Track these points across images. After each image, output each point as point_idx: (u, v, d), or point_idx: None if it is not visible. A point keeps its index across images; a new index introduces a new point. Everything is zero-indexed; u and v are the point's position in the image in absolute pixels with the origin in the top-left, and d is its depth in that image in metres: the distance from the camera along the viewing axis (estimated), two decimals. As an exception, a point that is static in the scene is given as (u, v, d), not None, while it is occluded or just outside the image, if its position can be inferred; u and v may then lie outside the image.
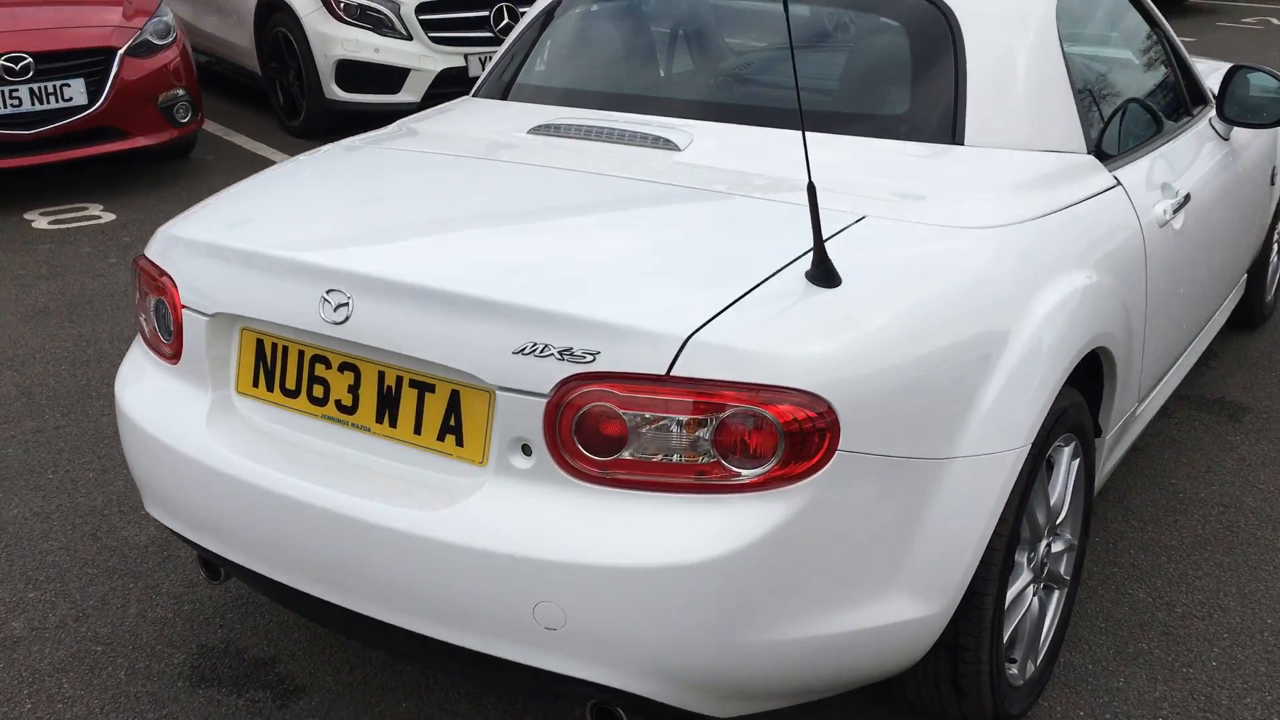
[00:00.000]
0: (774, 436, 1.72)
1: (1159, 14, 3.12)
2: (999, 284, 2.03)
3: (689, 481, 1.75)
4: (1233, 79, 3.08)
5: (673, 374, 1.72)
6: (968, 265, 2.02)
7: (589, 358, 1.75)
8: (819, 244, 1.83)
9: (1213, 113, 3.23)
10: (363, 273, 1.92)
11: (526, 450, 1.81)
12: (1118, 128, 2.71)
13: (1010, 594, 2.21)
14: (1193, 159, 2.95)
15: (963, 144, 2.34)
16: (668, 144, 2.35)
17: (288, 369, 2.05)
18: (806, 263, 1.88)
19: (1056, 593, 2.49)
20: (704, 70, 2.66)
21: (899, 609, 1.91)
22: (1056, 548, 2.40)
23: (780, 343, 1.74)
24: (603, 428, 1.75)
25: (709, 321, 1.76)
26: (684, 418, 1.73)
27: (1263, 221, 3.72)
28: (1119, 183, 2.54)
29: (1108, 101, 2.74)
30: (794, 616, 1.80)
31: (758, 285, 1.84)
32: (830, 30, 2.66)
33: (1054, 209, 2.29)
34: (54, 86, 5.97)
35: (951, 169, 2.27)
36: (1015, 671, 2.31)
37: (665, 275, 1.87)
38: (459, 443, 1.88)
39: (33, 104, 5.91)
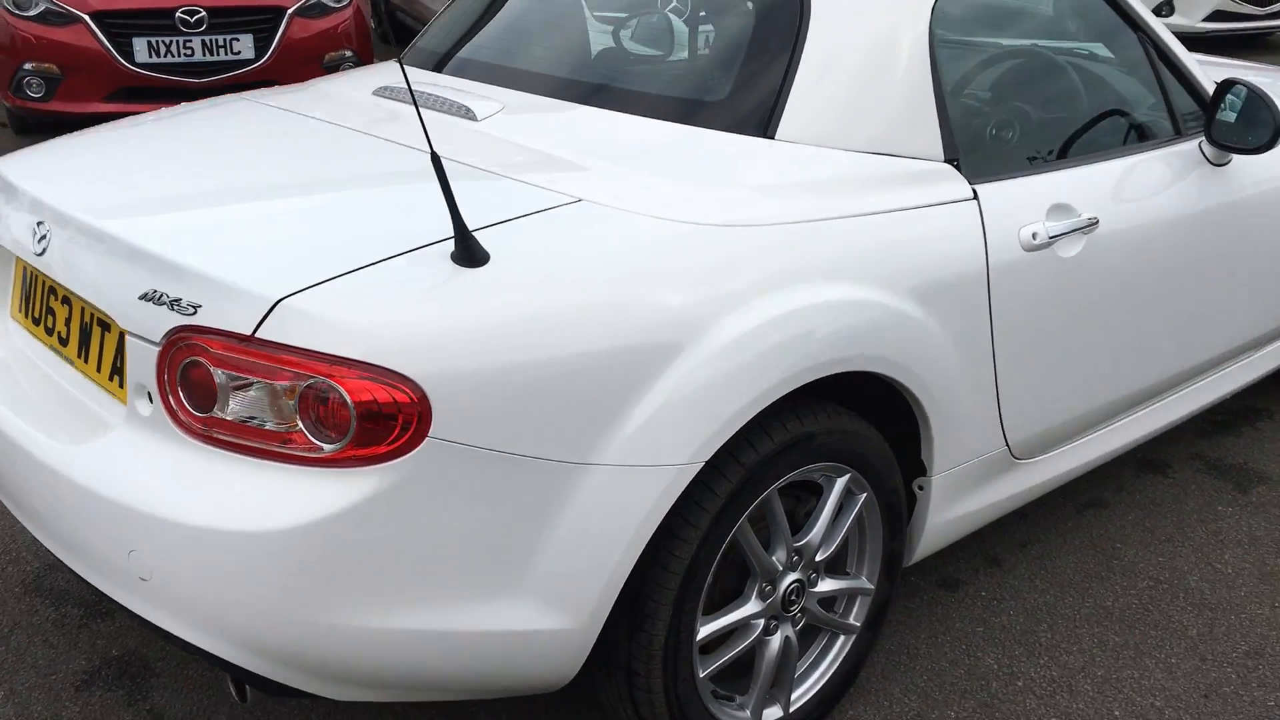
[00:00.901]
0: (347, 412, 1.66)
1: (1147, 20, 2.74)
2: (694, 286, 1.86)
3: (275, 449, 1.72)
4: (1223, 95, 2.67)
5: (258, 335, 1.69)
6: (663, 263, 1.86)
7: (192, 310, 1.74)
8: (457, 221, 1.75)
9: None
10: (54, 206, 1.99)
11: (150, 398, 1.82)
12: (1008, 138, 2.42)
13: (723, 624, 2.04)
14: (1142, 183, 2.58)
15: (772, 138, 2.15)
16: (468, 113, 2.30)
17: (34, 297, 2.16)
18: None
19: (841, 638, 2.27)
20: (554, 44, 2.56)
21: (526, 617, 1.81)
22: (824, 586, 2.19)
23: (374, 318, 1.68)
24: (202, 383, 1.74)
25: (309, 288, 1.71)
26: (268, 383, 1.70)
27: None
28: (975, 196, 2.26)
29: (1004, 109, 2.45)
30: (388, 604, 1.74)
31: (390, 258, 1.77)
32: (687, 7, 2.50)
33: (842, 215, 2.07)
34: (224, 40, 6.45)
35: (735, 162, 2.10)
36: (745, 713, 2.13)
37: (303, 240, 1.83)
38: (120, 384, 1.92)
39: (204, 54, 6.41)
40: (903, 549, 2.31)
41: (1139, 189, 2.57)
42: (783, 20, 2.26)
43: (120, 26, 6.26)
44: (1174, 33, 9.65)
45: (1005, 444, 2.45)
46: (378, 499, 1.68)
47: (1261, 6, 9.76)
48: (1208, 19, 9.69)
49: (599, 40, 2.49)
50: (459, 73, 2.57)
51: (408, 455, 1.68)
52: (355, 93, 2.53)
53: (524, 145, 2.16)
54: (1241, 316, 2.96)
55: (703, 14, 2.49)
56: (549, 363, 1.73)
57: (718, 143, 2.14)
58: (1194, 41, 10.38)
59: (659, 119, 2.21)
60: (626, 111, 2.26)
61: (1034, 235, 2.31)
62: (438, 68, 2.66)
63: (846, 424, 2.09)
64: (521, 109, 2.34)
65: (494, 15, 2.72)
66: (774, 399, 1.91)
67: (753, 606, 2.08)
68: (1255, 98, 2.62)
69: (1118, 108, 2.72)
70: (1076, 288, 2.42)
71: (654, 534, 1.91)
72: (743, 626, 2.09)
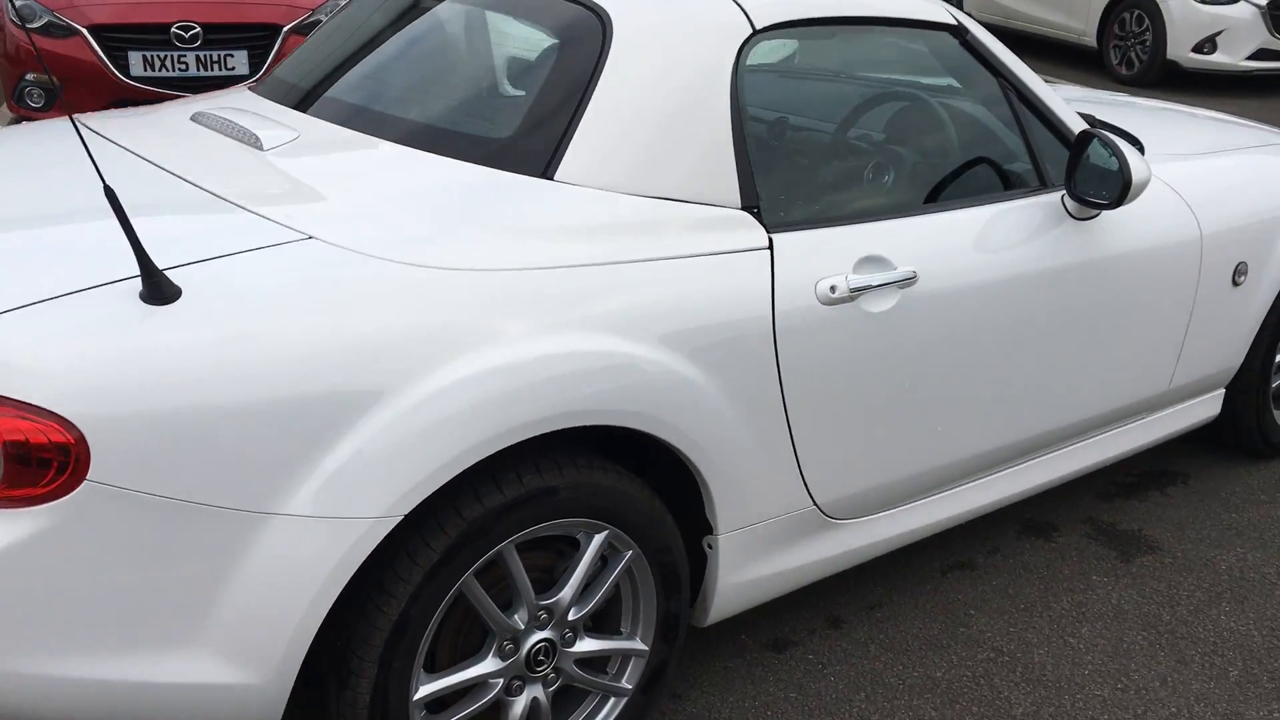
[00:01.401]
0: (-5, 452, 1.62)
1: (1006, 62, 2.61)
2: (406, 332, 1.80)
3: (-57, 483, 1.68)
4: (1083, 146, 2.53)
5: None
6: (376, 307, 1.80)
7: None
8: (140, 256, 1.70)
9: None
10: None
11: None
12: (821, 186, 2.32)
13: (450, 682, 1.96)
14: (983, 236, 2.45)
15: (551, 179, 2.08)
16: (255, 140, 2.26)
17: None
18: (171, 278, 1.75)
19: (612, 700, 2.18)
20: (382, 77, 2.50)
21: (206, 669, 1.75)
22: (585, 646, 2.10)
23: (34, 355, 1.64)
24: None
25: (-22, 321, 1.68)
26: (-75, 415, 1.66)
27: (1229, 330, 3.04)
28: (770, 245, 2.17)
29: (821, 156, 2.35)
30: (53, 650, 1.69)
31: (74, 293, 1.73)
32: (492, 41, 2.43)
33: (604, 261, 1.99)
34: (219, 55, 6.54)
35: (503, 204, 2.03)
36: (490, 773, 2.05)
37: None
38: None
39: (198, 70, 6.50)
40: (681, 610, 2.21)
41: (978, 243, 2.45)
42: (579, 60, 2.19)
43: (117, 40, 6.39)
44: (1217, 71, 9.41)
45: (813, 503, 2.34)
46: (33, 542, 1.64)
47: (1310, 45, 9.42)
48: (1251, 57, 9.37)
49: (417, 74, 2.43)
50: (282, 99, 2.54)
51: (64, 498, 1.63)
52: (174, 122, 2.51)
53: (291, 177, 2.12)
54: (1110, 382, 2.80)
55: (509, 52, 2.43)
56: (230, 407, 1.68)
57: (492, 182, 2.08)
58: (1235, 81, 10.06)
59: (451, 157, 2.15)
60: (423, 148, 2.19)
61: (832, 288, 2.20)
62: (276, 95, 2.63)
63: (601, 479, 2.00)
64: (316, 141, 2.29)
65: (339, 47, 2.68)
66: (493, 450, 1.84)
67: (489, 665, 2.00)
68: (1107, 151, 2.48)
69: (968, 157, 2.60)
70: (889, 345, 2.31)
71: (364, 587, 1.84)
72: (480, 685, 2.01)
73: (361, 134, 2.28)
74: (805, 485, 2.31)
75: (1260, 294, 3.08)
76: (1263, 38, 9.31)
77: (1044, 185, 2.64)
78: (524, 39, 2.42)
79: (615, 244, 2.03)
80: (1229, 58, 9.35)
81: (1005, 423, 2.61)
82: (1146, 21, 9.65)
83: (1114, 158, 2.46)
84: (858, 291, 2.23)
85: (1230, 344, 3.09)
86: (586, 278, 1.97)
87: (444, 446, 1.79)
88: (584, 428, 2.06)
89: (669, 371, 2.01)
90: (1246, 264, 3.00)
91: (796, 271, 2.18)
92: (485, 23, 2.44)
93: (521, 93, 2.23)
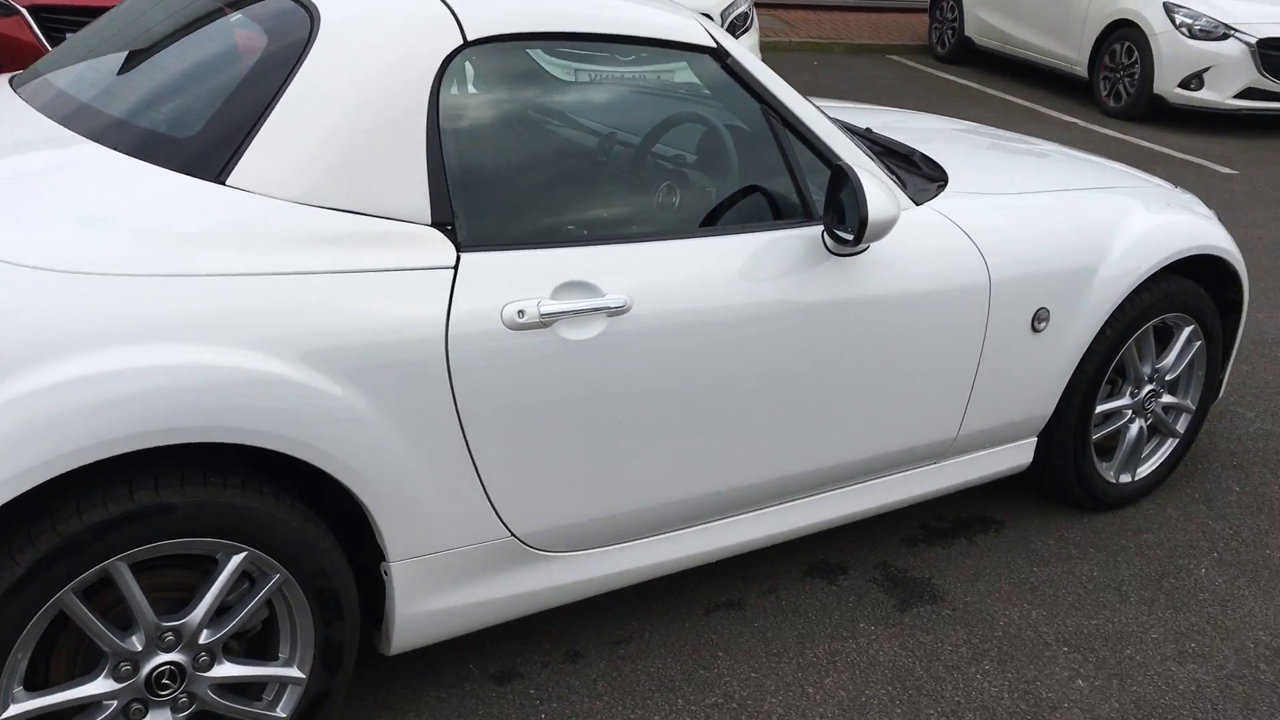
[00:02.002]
0: None
1: (770, 88, 2.52)
2: (12, 330, 1.74)
3: None
4: (839, 181, 2.43)
5: None
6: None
7: None
8: None
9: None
10: None
11: None
12: (531, 207, 2.24)
13: (52, 701, 1.90)
14: (714, 267, 2.36)
15: (222, 183, 2.02)
16: (-45, 133, 2.21)
17: None
18: None
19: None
20: (96, 69, 2.44)
21: None
22: (225, 671, 2.04)
23: None
24: None
25: None
26: None
27: (1031, 378, 2.93)
28: (456, 265, 2.10)
29: (536, 177, 2.27)
30: None
31: None
32: (208, 36, 2.37)
33: (257, 272, 1.93)
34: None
35: (156, 206, 1.97)
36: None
37: None
38: None
39: (138, 55, 6.50)
40: (345, 638, 2.14)
41: (713, 273, 2.36)
42: (280, 56, 2.13)
43: (56, 21, 6.40)
44: (1203, 108, 9.21)
45: (511, 534, 2.26)
46: None
47: (1302, 86, 9.20)
48: (1239, 95, 9.16)
49: (135, 70, 2.38)
50: (31, 98, 2.49)
51: None
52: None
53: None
54: (879, 425, 2.70)
55: (221, 47, 2.37)
56: None
57: (160, 184, 2.02)
58: (1221, 120, 9.84)
59: (137, 157, 2.09)
60: (115, 147, 2.13)
61: (520, 313, 2.13)
62: (22, 87, 2.59)
63: (233, 499, 1.94)
64: (22, 138, 2.24)
65: (85, 39, 2.63)
66: (89, 460, 1.78)
67: (101, 685, 1.94)
68: (847, 187, 2.38)
69: (720, 184, 2.52)
70: (594, 375, 2.23)
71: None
72: (93, 705, 1.94)
73: (70, 131, 2.23)
74: (498, 516, 2.24)
75: (1069, 342, 2.97)
76: (1251, 76, 9.10)
77: (810, 217, 2.55)
78: (238, 33, 2.36)
79: (275, 256, 1.97)
80: (1216, 95, 9.15)
81: (748, 462, 2.52)
82: (1136, 54, 9.47)
83: (853, 195, 2.36)
84: (551, 317, 2.15)
85: (1034, 392, 2.97)
86: (229, 289, 1.91)
87: (28, 450, 1.73)
88: (236, 446, 1.99)
89: (312, 392, 1.94)
90: (1048, 310, 2.89)
91: (480, 294, 2.11)
92: (206, 16, 2.38)
93: (219, 91, 2.17)
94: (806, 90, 9.71)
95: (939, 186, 2.90)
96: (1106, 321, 3.04)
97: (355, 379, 1.99)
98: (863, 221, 2.35)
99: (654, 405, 2.33)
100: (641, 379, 2.29)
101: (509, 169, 2.24)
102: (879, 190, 2.39)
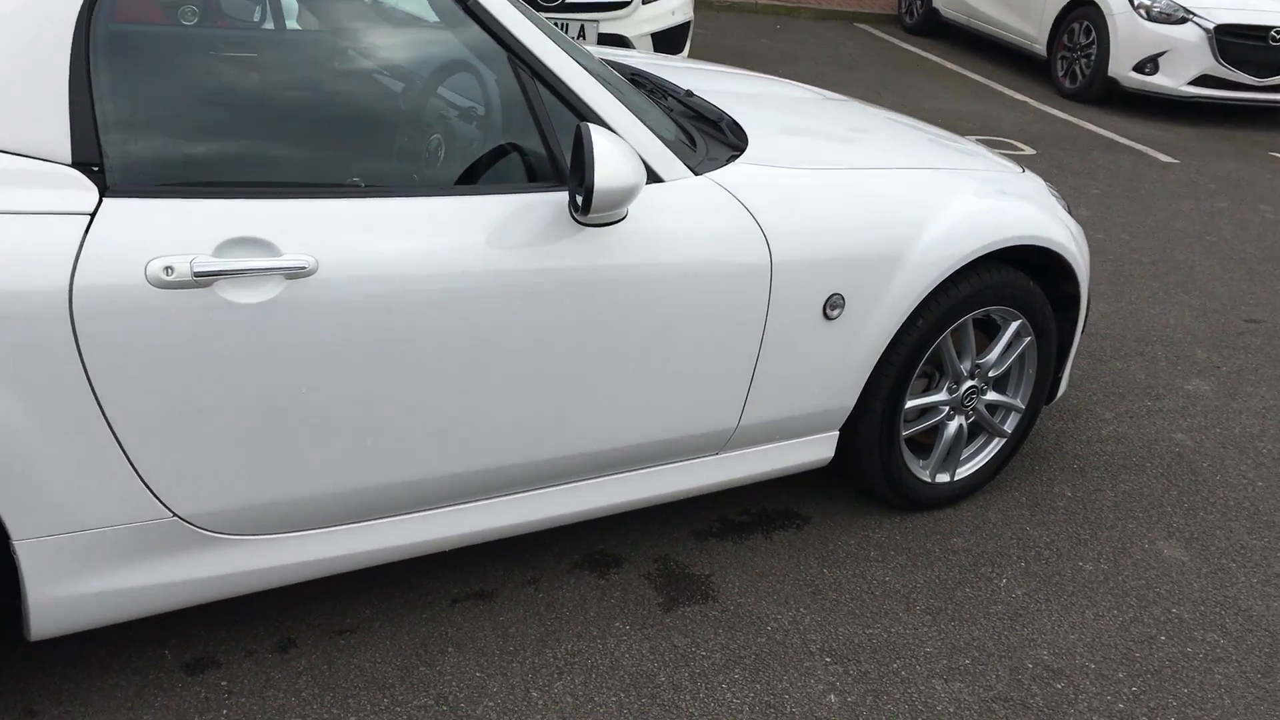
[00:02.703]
0: None
1: (517, 34, 2.28)
2: None
3: None
4: (581, 140, 2.20)
5: None
6: None
7: None
8: None
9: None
10: None
11: None
12: (206, 151, 2.01)
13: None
14: (420, 230, 2.14)
15: None
16: None
17: None
18: None
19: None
20: None
21: None
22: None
23: None
24: None
25: None
26: None
27: (826, 368, 2.71)
28: (95, 212, 1.87)
29: (216, 117, 2.03)
30: None
31: None
32: None
33: None
34: None
35: None
36: None
37: None
38: None
39: None
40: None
41: (419, 237, 2.13)
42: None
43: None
44: (1156, 94, 8.95)
45: (174, 515, 2.05)
46: None
47: (1260, 78, 8.94)
48: (1194, 82, 8.91)
49: None
50: None
51: None
52: None
53: None
54: (637, 413, 2.48)
55: None
56: None
57: None
58: (1175, 106, 9.60)
59: None
60: None
61: (168, 269, 1.90)
62: None
63: None
64: None
65: None
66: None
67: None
68: (580, 152, 2.15)
69: (450, 138, 2.28)
70: (266, 343, 2.00)
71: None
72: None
73: None
74: (154, 495, 2.02)
75: (869, 331, 2.74)
76: (1207, 63, 8.84)
77: (560, 181, 2.32)
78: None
79: None
80: (1170, 81, 8.89)
81: (470, 446, 2.30)
82: (1094, 34, 9.20)
83: (584, 157, 2.13)
84: (208, 276, 1.93)
85: (830, 383, 2.76)
86: None
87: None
88: None
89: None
90: (843, 297, 2.67)
91: (120, 245, 1.88)
92: None
93: None
94: (756, 55, 9.43)
95: (732, 156, 2.67)
96: (916, 311, 2.82)
97: (-42, 336, 1.77)
98: (588, 189, 2.13)
99: (343, 380, 2.11)
100: (326, 351, 2.07)
101: (177, 104, 2.01)
102: (616, 154, 2.15)
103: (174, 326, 1.92)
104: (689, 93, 3.11)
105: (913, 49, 10.78)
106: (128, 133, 1.95)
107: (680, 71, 3.57)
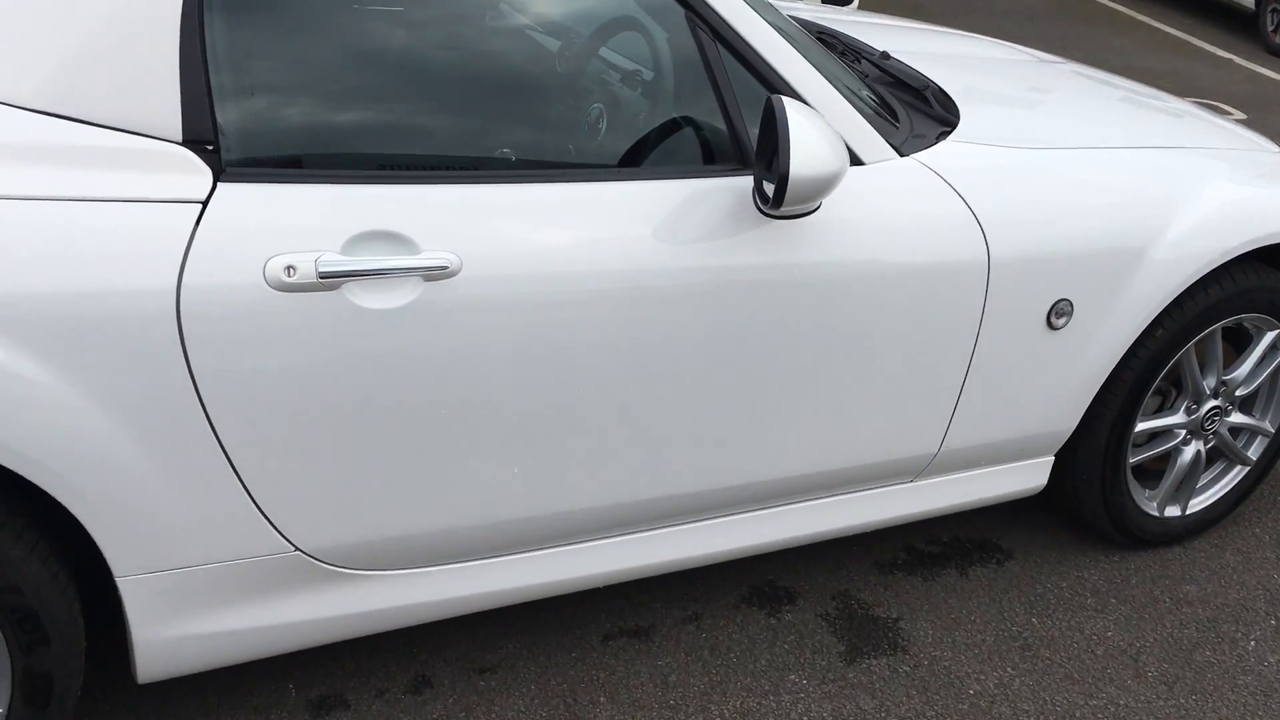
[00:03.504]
0: None
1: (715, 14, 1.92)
2: None
3: None
4: (771, 120, 1.83)
5: None
6: None
7: None
8: None
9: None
10: None
11: None
12: (334, 129, 1.71)
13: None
14: (590, 222, 1.81)
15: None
16: None
17: None
18: None
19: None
20: None
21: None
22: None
23: None
24: None
25: None
26: None
27: (1045, 385, 2.30)
28: (208, 199, 1.59)
29: (350, 90, 1.74)
30: None
31: None
32: None
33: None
34: None
35: None
36: None
37: None
38: None
39: None
40: (54, 667, 1.69)
41: (586, 231, 1.80)
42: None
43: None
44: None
45: (295, 548, 1.78)
46: None
47: None
48: None
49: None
50: None
51: None
52: None
53: None
54: (823, 435, 2.12)
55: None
56: None
57: None
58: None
59: None
60: None
61: (290, 269, 1.61)
62: None
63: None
64: None
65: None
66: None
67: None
68: (770, 131, 1.79)
69: (618, 113, 1.94)
70: (402, 355, 1.70)
71: None
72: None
73: None
74: (274, 526, 1.75)
75: (1099, 342, 2.31)
76: None
77: (743, 164, 1.96)
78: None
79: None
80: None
81: (634, 473, 1.98)
82: (1313, -16, 8.32)
83: (777, 142, 1.76)
84: (336, 278, 1.63)
85: (1049, 403, 2.34)
86: None
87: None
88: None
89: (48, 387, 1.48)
90: (1071, 303, 2.24)
91: (236, 239, 1.60)
92: None
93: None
94: (929, 6, 8.81)
95: (942, 133, 2.26)
96: (1156, 320, 2.37)
97: (50, 352, 1.51)
98: (781, 176, 1.76)
99: (488, 398, 1.79)
100: (469, 363, 1.76)
101: (302, 70, 1.71)
102: (814, 135, 1.78)
103: (295, 334, 1.64)
104: (885, 55, 2.70)
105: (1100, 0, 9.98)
106: (247, 104, 1.66)
107: (864, 28, 3.15)
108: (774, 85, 1.97)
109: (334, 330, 1.65)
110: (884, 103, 2.30)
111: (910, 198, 2.08)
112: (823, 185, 1.80)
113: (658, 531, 2.11)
